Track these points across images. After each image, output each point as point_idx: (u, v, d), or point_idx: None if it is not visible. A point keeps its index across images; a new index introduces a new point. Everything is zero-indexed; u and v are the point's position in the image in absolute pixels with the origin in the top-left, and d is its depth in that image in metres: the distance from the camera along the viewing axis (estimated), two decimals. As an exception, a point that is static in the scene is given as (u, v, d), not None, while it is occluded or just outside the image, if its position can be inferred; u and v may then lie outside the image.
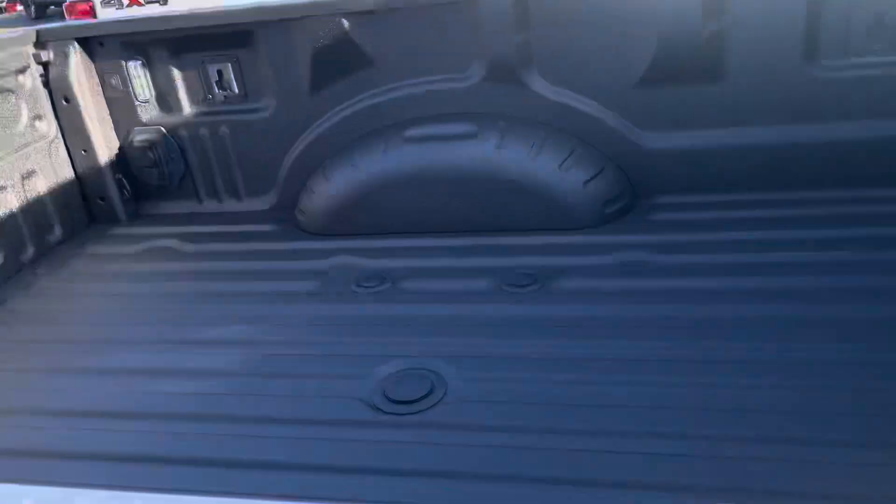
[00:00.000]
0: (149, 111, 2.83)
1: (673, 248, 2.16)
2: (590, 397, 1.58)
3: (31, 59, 2.72)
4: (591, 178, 2.35)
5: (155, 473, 1.51)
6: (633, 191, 2.48)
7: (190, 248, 2.61)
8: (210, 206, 2.93)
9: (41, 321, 2.21)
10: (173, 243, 2.65)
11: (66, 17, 8.04)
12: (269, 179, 2.81)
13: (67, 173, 2.83)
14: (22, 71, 2.67)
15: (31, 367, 1.96)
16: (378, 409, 1.64)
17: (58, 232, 2.77)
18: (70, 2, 8.23)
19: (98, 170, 2.85)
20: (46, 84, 2.76)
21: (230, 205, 2.90)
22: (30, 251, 2.63)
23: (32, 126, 2.70)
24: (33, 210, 2.65)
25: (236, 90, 2.74)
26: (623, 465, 1.39)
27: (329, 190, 2.53)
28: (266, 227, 2.69)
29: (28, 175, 2.64)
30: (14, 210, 2.56)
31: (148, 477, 1.50)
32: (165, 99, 2.80)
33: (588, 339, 1.78)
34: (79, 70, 2.75)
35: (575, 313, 1.90)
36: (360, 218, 2.50)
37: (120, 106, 2.85)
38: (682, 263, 2.07)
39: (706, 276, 1.98)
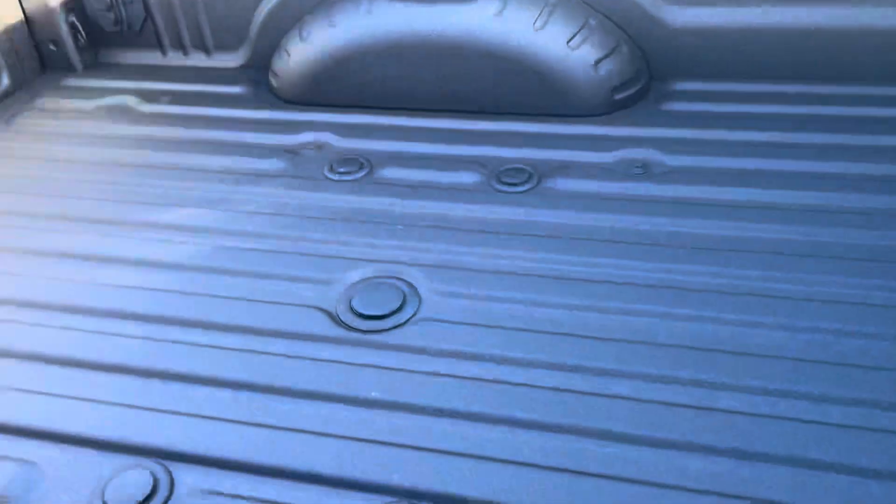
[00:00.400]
0: (101, -57, 2.45)
1: (684, 146, 1.90)
2: (578, 325, 1.40)
3: None
4: (603, 58, 2.04)
5: (84, 380, 1.36)
6: (649, 74, 2.18)
7: (148, 108, 2.33)
8: (175, 58, 2.61)
9: (-22, 187, 1.98)
10: (131, 101, 2.37)
11: None
12: (241, 33, 2.48)
13: (14, 14, 2.49)
14: None
15: (-39, 244, 1.76)
16: (341, 322, 1.47)
17: (5, 81, 2.47)
18: None
19: (49, 11, 2.50)
20: None
21: (197, 58, 2.58)
22: (-28, 101, 2.36)
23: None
24: (-27, 54, 2.34)
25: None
26: (608, 409, 1.24)
27: (305, 52, 2.22)
28: (235, 90, 2.40)
29: (-38, 13, 2.31)
30: (-51, 53, 2.26)
31: (76, 384, 1.35)
32: (120, -71, 2.41)
33: (581, 254, 1.57)
34: None
35: (570, 221, 1.68)
36: (338, 87, 2.21)
37: None
38: (692, 167, 1.83)
39: (717, 185, 1.75)
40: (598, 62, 2.03)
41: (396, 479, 1.16)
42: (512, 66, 2.04)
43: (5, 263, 1.68)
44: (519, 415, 1.25)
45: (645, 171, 1.83)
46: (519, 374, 1.32)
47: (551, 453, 1.18)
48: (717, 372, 1.28)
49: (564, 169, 1.86)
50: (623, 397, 1.26)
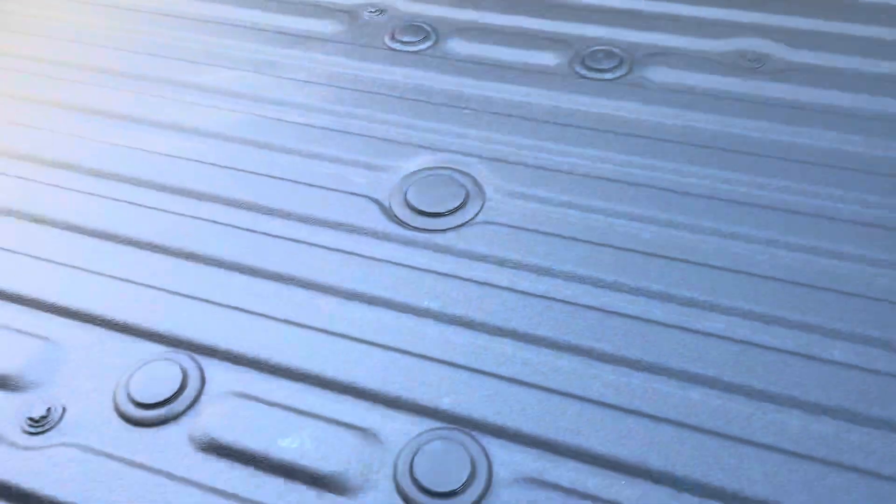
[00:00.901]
0: None
1: (811, 39, 1.61)
2: (667, 245, 1.21)
3: None
4: (722, -77, 1.72)
5: (113, 256, 1.24)
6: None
7: (195, -47, 2.09)
8: None
9: (10, 28, 1.81)
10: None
11: None
12: None
13: None
14: None
15: (-10, 92, 1.62)
16: (394, 217, 1.30)
17: None
18: None
19: None
20: None
21: None
22: (6, -69, 2.14)
23: None
24: None
25: None
26: (697, 347, 1.07)
27: None
28: (291, -63, 2.13)
29: None
30: None
31: (103, 259, 1.23)
32: None
33: (677, 160, 1.35)
34: None
35: (665, 119, 1.45)
36: (407, -60, 1.93)
37: None
38: (817, 66, 1.55)
39: (847, 90, 1.48)
40: (715, -71, 1.71)
41: (446, 404, 1.03)
42: (612, -73, 1.73)
43: (30, 115, 1.53)
44: (590, 344, 1.09)
45: (761, 65, 1.55)
46: (593, 296, 1.15)
47: (625, 392, 1.03)
48: (830, 316, 1.09)
49: (663, 56, 1.60)
50: (715, 335, 1.08)
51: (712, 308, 1.12)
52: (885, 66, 1.53)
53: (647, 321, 1.11)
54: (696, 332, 1.09)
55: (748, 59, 1.57)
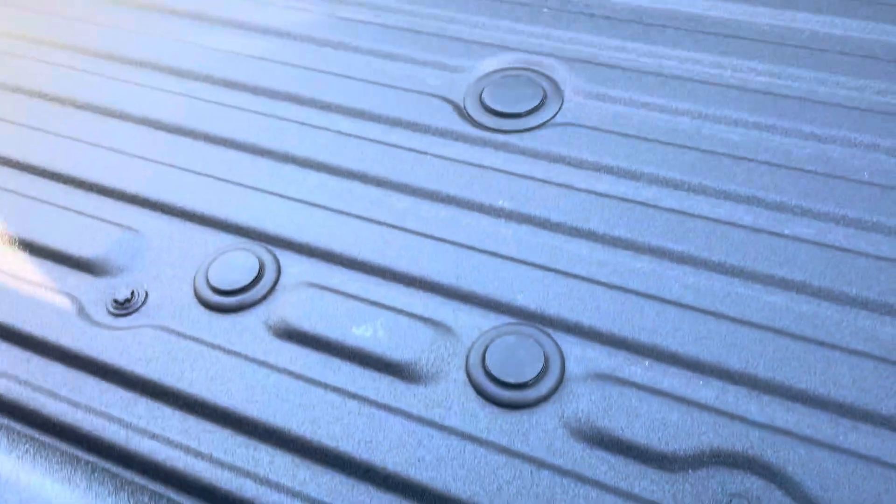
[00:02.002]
0: None
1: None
2: (757, 148, 1.15)
3: None
4: None
5: (192, 151, 1.26)
6: None
7: None
8: None
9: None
10: None
11: None
12: None
13: None
14: None
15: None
16: (469, 117, 1.27)
17: None
18: None
19: None
20: None
21: None
22: None
23: None
24: None
25: None
26: (785, 251, 1.02)
27: None
28: None
29: None
30: None
31: (183, 153, 1.25)
32: None
33: (769, 61, 1.27)
34: None
35: (758, 19, 1.36)
36: None
37: None
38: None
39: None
40: None
41: (521, 300, 1.02)
42: None
43: (110, 15, 1.55)
44: (670, 245, 1.05)
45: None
46: (676, 199, 1.11)
47: (705, 294, 1.00)
48: None
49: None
50: (804, 240, 1.03)
51: (804, 213, 1.06)
52: None
53: (733, 224, 1.06)
54: (785, 236, 1.04)
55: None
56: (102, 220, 1.17)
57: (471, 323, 1.00)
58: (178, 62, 1.42)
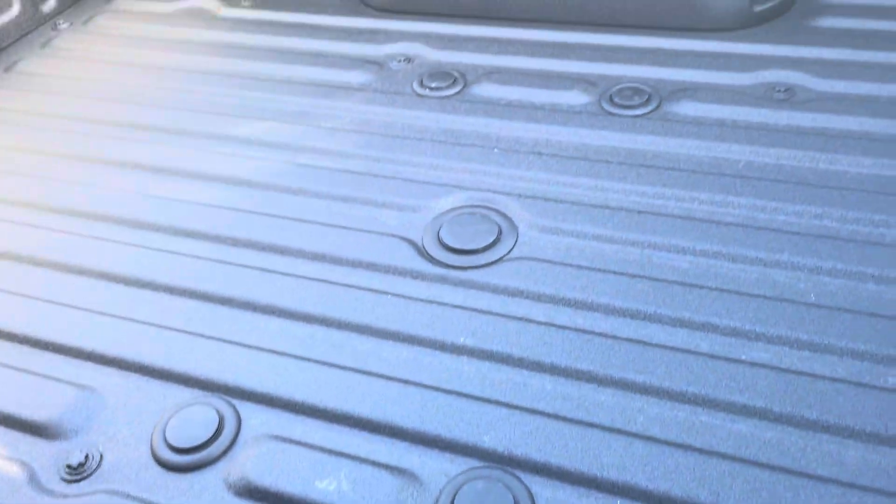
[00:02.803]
0: None
1: (836, 69, 1.60)
2: (706, 275, 1.18)
3: None
4: (743, -38, 1.74)
5: (151, 303, 1.25)
6: (796, -17, 1.86)
7: (228, 13, 2.17)
8: (259, -40, 2.42)
9: (54, 90, 1.89)
10: (211, 5, 2.21)
11: None
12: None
13: None
14: None
15: (32, 148, 1.67)
16: (427, 255, 1.30)
17: (84, -20, 2.36)
18: None
19: None
20: None
21: (282, -39, 2.39)
22: (51, 1, 2.25)
23: None
24: (52, -50, 2.22)
25: None
26: (744, 378, 1.03)
27: (397, -48, 1.99)
28: (320, -6, 2.21)
29: None
30: (29, -51, 2.15)
31: (141, 306, 1.25)
32: None
33: (711, 191, 1.34)
34: None
35: (697, 152, 1.44)
36: (433, -7, 1.99)
37: None
38: (845, 94, 1.54)
39: (876, 116, 1.46)
40: (736, -33, 1.73)
41: (487, 442, 1.00)
42: (633, -31, 1.76)
43: (73, 171, 1.58)
44: (632, 377, 1.06)
45: (789, 96, 1.55)
46: (633, 329, 1.13)
47: (671, 425, 1.00)
48: (881, 342, 1.05)
49: (691, 90, 1.60)
50: (762, 365, 1.05)
51: (758, 337, 1.09)
52: None
53: (691, 352, 1.08)
54: (743, 362, 1.05)
55: (776, 90, 1.56)
56: (57, 379, 1.15)
57: (437, 469, 0.98)
58: (138, 214, 1.44)
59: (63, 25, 2.20)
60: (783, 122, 1.48)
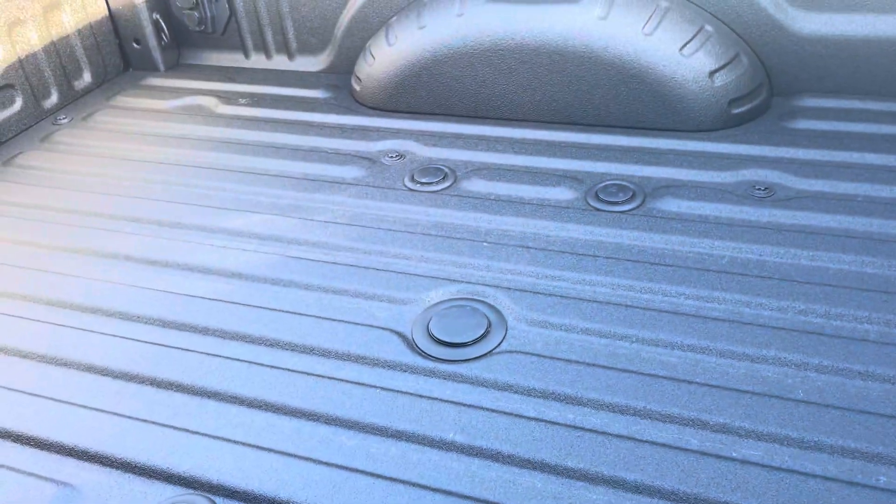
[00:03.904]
0: (190, -59, 2.40)
1: (814, 168, 1.67)
2: (694, 371, 1.19)
3: None
4: (720, 68, 1.83)
5: (136, 397, 1.24)
6: (771, 88, 1.95)
7: (226, 110, 2.25)
8: (257, 61, 2.53)
9: (51, 183, 1.92)
10: (209, 102, 2.29)
11: None
12: (325, 36, 2.38)
13: (99, 10, 2.46)
14: None
15: (27, 240, 1.69)
16: (417, 348, 1.30)
17: (87, 78, 2.44)
18: None
19: (134, 8, 2.46)
20: None
21: (279, 62, 2.50)
22: (53, 97, 2.33)
23: (56, -51, 2.31)
24: (58, 49, 2.31)
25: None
26: (736, 476, 1.02)
27: (391, 56, 2.09)
28: (315, 94, 2.29)
29: (51, 7, 2.28)
30: (35, 49, 2.23)
31: (126, 401, 1.23)
32: (209, -73, 2.36)
33: (696, 286, 1.36)
34: None
35: (681, 248, 1.47)
36: (424, 94, 2.07)
37: None
38: (823, 192, 1.60)
39: (855, 214, 1.50)
40: (713, 72, 1.82)
41: (477, 543, 0.98)
42: (617, 74, 1.85)
43: (66, 264, 1.59)
44: (623, 474, 1.05)
45: (769, 194, 1.60)
46: (622, 424, 1.12)
47: (664, 526, 0.98)
48: (870, 440, 1.05)
49: (674, 188, 1.65)
50: (752, 463, 1.04)
51: (747, 434, 1.08)
52: (890, 191, 1.56)
53: (681, 449, 1.07)
54: (734, 459, 1.04)
55: (756, 188, 1.62)
56: (36, 475, 1.12)
57: (425, 573, 0.95)
58: (127, 307, 1.44)
59: (63, 120, 2.27)
60: (764, 220, 1.52)
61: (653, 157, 1.77)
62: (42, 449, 1.17)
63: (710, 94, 1.82)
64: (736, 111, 1.85)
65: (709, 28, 1.86)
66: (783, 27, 1.87)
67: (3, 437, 1.19)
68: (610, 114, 1.91)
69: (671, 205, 1.60)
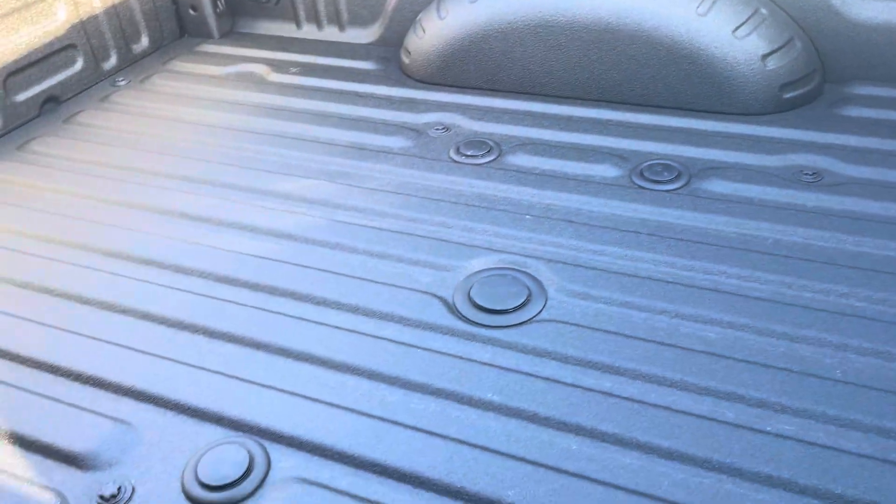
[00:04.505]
0: (248, -90, 2.44)
1: (864, 155, 1.65)
2: (732, 347, 1.21)
3: None
4: (773, 52, 1.82)
5: (189, 345, 1.30)
6: (823, 74, 1.93)
7: (277, 78, 2.29)
8: (309, 31, 2.57)
9: (109, 141, 1.99)
10: (261, 70, 2.34)
11: None
12: (376, 8, 2.41)
13: (158, -24, 2.52)
14: None
15: (85, 193, 1.76)
16: (458, 313, 1.34)
17: (144, 42, 2.51)
18: None
19: (191, -25, 2.52)
20: None
21: (330, 33, 2.54)
22: (112, 59, 2.40)
23: (119, -85, 2.37)
24: (119, 13, 2.38)
25: None
26: (770, 449, 1.04)
27: (442, 30, 2.11)
28: (365, 65, 2.33)
29: (112, -27, 2.34)
30: (97, 11, 2.30)
31: (179, 347, 1.29)
32: None
33: (738, 265, 1.37)
34: None
35: (725, 228, 1.48)
36: (473, 68, 2.09)
37: None
38: (873, 179, 1.58)
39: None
40: (766, 56, 1.81)
41: (511, 497, 1.01)
42: (668, 54, 1.84)
43: (123, 218, 1.66)
44: (657, 441, 1.07)
45: (817, 179, 1.59)
46: (659, 394, 1.14)
47: (696, 492, 1.00)
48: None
49: (720, 169, 1.65)
50: (787, 437, 1.05)
51: (783, 410, 1.09)
52: None
53: (716, 421, 1.09)
54: (768, 433, 1.06)
55: (804, 173, 1.61)
56: (96, 413, 1.18)
57: (462, 521, 0.99)
58: (181, 260, 1.50)
59: (122, 82, 2.34)
60: (811, 204, 1.52)
61: (700, 139, 1.77)
62: (100, 388, 1.24)
63: (761, 77, 1.81)
64: (787, 96, 1.84)
65: (763, 11, 1.84)
66: (839, 13, 1.85)
67: (64, 375, 1.26)
68: (658, 94, 1.91)
69: (717, 186, 1.60)
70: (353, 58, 2.38)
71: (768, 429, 1.07)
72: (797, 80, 1.84)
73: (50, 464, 1.12)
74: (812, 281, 1.32)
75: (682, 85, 1.87)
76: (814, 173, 1.61)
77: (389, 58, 2.35)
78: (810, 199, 1.53)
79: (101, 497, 1.06)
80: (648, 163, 1.70)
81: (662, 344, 1.22)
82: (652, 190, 1.61)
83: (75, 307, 1.41)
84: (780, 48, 1.82)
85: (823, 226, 1.45)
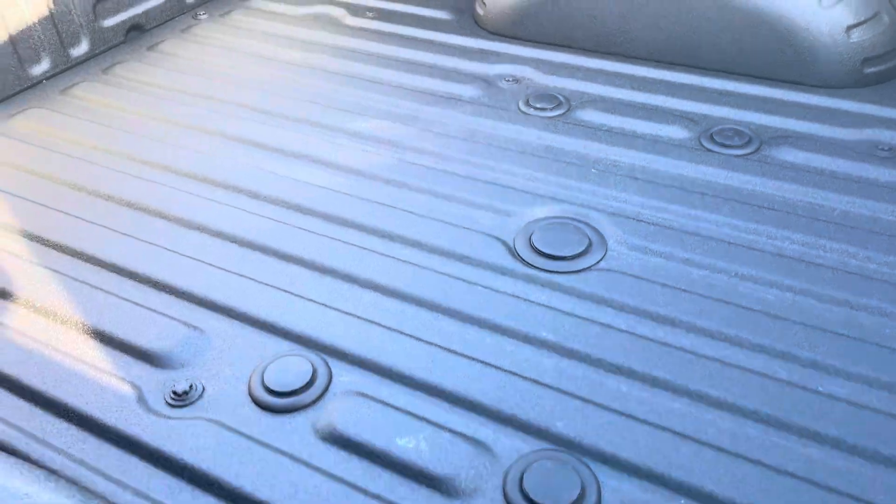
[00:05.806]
0: None
1: (944, 137, 1.62)
2: (791, 310, 1.21)
3: None
4: (858, 24, 1.77)
5: (260, 264, 1.36)
6: (910, 51, 1.88)
7: (353, 21, 2.33)
8: (385, -22, 2.59)
9: (189, 70, 2.06)
10: (338, 13, 2.37)
11: None
12: (454, -43, 2.42)
13: (243, -87, 2.56)
14: None
15: (168, 118, 1.83)
16: (518, 256, 1.37)
17: (225, -21, 2.57)
18: None
19: (274, -86, 2.56)
20: None
21: (406, -19, 2.55)
22: (195, -6, 2.46)
23: None
24: (203, -51, 2.44)
25: None
26: (819, 408, 1.05)
27: (519, -19, 2.11)
28: (439, 14, 2.34)
29: None
30: (183, -55, 2.36)
31: (251, 265, 1.35)
32: None
33: (804, 232, 1.37)
34: None
35: (793, 196, 1.47)
36: (547, 22, 2.09)
37: None
38: (953, 161, 1.55)
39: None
40: (851, 28, 1.76)
41: (559, 427, 1.05)
42: (748, 20, 1.81)
43: (200, 143, 1.73)
44: (707, 390, 1.09)
45: (892, 154, 1.56)
46: (712, 348, 1.16)
47: (742, 440, 1.02)
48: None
49: (792, 139, 1.63)
50: (838, 398, 1.07)
51: (837, 373, 1.10)
52: None
53: (768, 377, 1.10)
54: (820, 393, 1.07)
55: (880, 148, 1.58)
56: (171, 317, 1.26)
57: (510, 445, 1.04)
58: (255, 186, 1.56)
59: (203, 16, 2.40)
60: (884, 179, 1.50)
61: (774, 107, 1.75)
62: (175, 296, 1.31)
63: (844, 49, 1.77)
64: (869, 70, 1.79)
65: (854, -19, 1.79)
66: (934, -12, 1.79)
67: (142, 282, 1.34)
68: (735, 60, 1.88)
69: (788, 154, 1.59)
70: (427, 6, 2.39)
71: (820, 388, 1.08)
72: (880, 55, 1.80)
73: (128, 359, 1.20)
74: (878, 253, 1.31)
75: (761, 52, 1.84)
76: (890, 149, 1.58)
77: (464, 8, 2.35)
78: (883, 174, 1.51)
79: (174, 392, 1.13)
80: (719, 127, 1.69)
81: (719, 301, 1.24)
82: (720, 154, 1.61)
83: (154, 221, 1.48)
84: (865, 21, 1.77)
85: (893, 199, 1.43)
